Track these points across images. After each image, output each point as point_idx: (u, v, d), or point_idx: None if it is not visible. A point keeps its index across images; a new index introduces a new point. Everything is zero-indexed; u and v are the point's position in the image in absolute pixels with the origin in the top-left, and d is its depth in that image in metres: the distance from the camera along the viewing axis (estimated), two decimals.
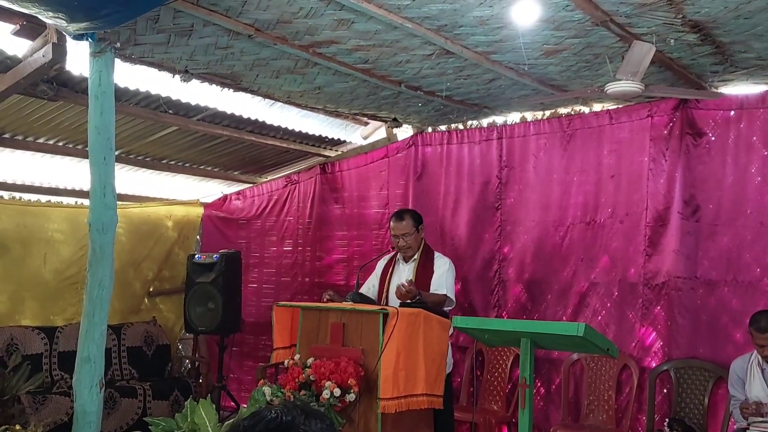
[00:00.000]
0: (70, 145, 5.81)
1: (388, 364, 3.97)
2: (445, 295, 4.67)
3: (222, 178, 7.32)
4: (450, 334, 4.53)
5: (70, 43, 3.99)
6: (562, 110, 5.64)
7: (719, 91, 4.94)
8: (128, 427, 5.86)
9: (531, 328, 3.81)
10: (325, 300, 4.67)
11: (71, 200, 6.52)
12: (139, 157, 6.35)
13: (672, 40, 4.06)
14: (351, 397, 3.98)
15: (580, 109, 5.58)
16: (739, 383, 4.44)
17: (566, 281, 5.53)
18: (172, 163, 6.65)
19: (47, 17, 3.51)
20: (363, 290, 4.98)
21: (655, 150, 5.21)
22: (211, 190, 7.45)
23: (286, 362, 4.35)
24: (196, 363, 7.01)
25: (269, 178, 7.39)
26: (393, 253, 5.01)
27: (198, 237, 7.45)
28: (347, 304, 4.49)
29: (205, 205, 7.47)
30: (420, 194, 6.24)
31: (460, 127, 6.16)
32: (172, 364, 6.88)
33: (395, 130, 6.43)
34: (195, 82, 4.77)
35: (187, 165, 6.79)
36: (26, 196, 6.33)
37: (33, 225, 6.12)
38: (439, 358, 4.29)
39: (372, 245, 6.43)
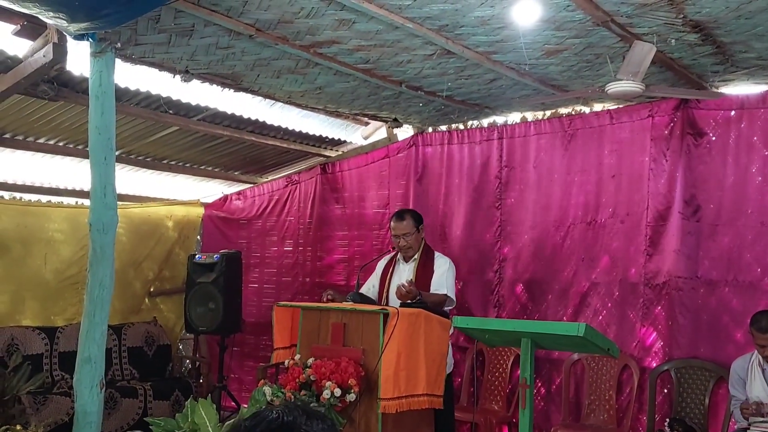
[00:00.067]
0: (71, 145, 5.81)
1: (389, 364, 3.97)
2: (446, 294, 4.67)
3: (222, 179, 7.32)
4: (450, 334, 4.54)
5: (71, 43, 3.99)
6: (563, 110, 5.64)
7: (720, 91, 4.94)
8: (129, 427, 5.86)
9: (531, 328, 3.81)
10: (325, 300, 4.67)
11: (72, 200, 6.52)
12: (140, 157, 6.34)
13: (673, 40, 4.06)
14: (351, 397, 3.97)
15: (580, 109, 5.58)
16: (740, 383, 4.44)
17: (567, 281, 5.53)
18: (173, 163, 6.65)
19: (48, 17, 3.51)
20: (363, 290, 4.98)
21: (655, 150, 5.20)
22: (211, 190, 7.45)
23: (286, 362, 4.35)
24: (197, 363, 7.01)
25: (270, 178, 7.39)
26: (393, 253, 5.01)
27: (198, 237, 7.45)
28: (348, 304, 4.49)
29: (206, 205, 7.47)
30: (420, 194, 6.23)
31: (461, 127, 6.16)
32: (172, 364, 6.88)
33: (396, 130, 6.42)
34: (196, 82, 4.77)
35: (187, 165, 6.78)
36: (27, 196, 6.33)
37: (33, 225, 6.12)
38: (440, 358, 4.29)
39: (372, 245, 6.43)
